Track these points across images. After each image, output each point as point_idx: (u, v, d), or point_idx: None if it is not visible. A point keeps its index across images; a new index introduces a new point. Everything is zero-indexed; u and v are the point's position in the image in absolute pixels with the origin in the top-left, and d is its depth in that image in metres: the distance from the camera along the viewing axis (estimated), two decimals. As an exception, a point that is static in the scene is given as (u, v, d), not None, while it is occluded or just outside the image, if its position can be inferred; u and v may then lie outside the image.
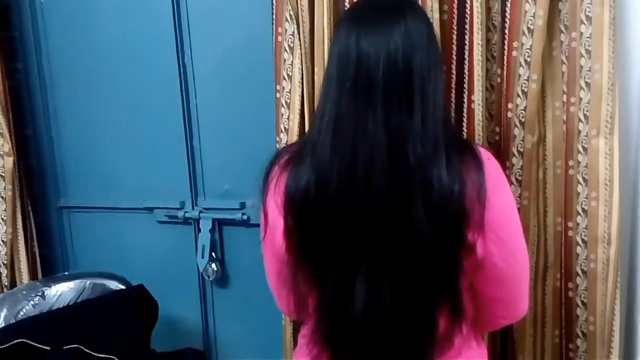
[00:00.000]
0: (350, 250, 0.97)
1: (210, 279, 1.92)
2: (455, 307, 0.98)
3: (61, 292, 1.68)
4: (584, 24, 1.24)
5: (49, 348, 1.51)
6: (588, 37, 1.24)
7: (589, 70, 1.25)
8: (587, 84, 1.26)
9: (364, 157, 0.92)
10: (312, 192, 0.97)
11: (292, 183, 1.00)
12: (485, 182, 0.94)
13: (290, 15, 1.43)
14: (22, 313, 1.62)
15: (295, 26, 1.43)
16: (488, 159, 0.99)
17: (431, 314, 0.98)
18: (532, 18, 1.25)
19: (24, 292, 1.67)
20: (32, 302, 1.64)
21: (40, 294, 1.66)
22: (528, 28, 1.25)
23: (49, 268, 2.12)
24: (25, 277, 1.99)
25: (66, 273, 1.92)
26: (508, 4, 1.28)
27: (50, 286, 1.68)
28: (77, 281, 1.71)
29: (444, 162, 0.92)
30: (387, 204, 0.93)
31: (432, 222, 0.92)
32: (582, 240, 1.31)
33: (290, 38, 1.45)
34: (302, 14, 1.40)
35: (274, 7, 1.47)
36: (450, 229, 0.94)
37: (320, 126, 0.97)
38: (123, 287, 1.75)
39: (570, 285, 1.34)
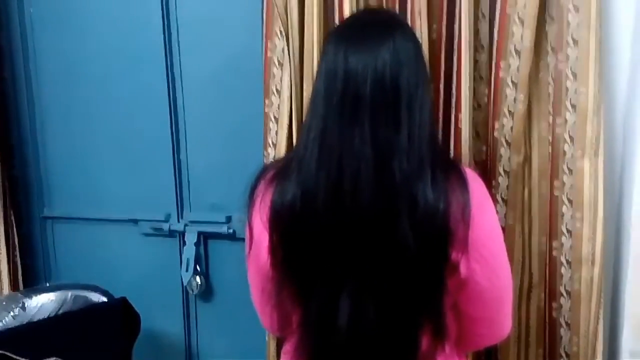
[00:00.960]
0: (335, 266, 0.96)
1: (194, 293, 1.90)
2: (438, 326, 0.98)
3: (42, 303, 1.65)
4: (570, 46, 1.26)
5: (28, 360, 1.49)
6: (575, 60, 1.26)
7: (575, 92, 1.26)
8: (573, 105, 1.27)
9: (350, 172, 0.93)
10: (297, 208, 0.97)
11: (277, 198, 1.00)
12: (470, 202, 0.94)
13: (280, 31, 1.44)
14: (1, 324, 1.59)
15: (285, 42, 1.43)
16: (473, 179, 0.99)
17: (414, 332, 0.98)
18: (519, 39, 1.26)
19: (4, 302, 1.64)
20: (12, 313, 1.61)
21: (20, 305, 1.63)
22: (515, 49, 1.27)
23: (31, 279, 2.10)
24: (5, 288, 1.97)
25: (48, 284, 1.90)
26: (496, 25, 1.29)
27: (31, 297, 1.66)
28: (59, 292, 1.69)
29: (429, 180, 0.93)
30: (373, 219, 0.93)
31: (416, 239, 0.92)
32: (567, 260, 1.32)
33: (280, 54, 1.46)
34: (291, 30, 1.41)
35: (264, 22, 1.47)
36: (434, 246, 0.94)
37: (307, 141, 0.97)
38: (105, 299, 1.73)
39: (554, 305, 1.35)
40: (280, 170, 1.03)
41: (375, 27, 0.97)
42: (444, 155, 1.23)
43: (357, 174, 0.92)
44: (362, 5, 1.36)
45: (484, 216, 0.98)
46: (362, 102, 0.92)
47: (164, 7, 1.79)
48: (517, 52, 1.27)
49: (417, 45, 1.01)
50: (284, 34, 1.43)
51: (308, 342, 1.03)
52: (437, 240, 0.94)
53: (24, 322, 1.61)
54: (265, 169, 1.08)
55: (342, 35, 0.99)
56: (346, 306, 0.96)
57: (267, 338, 1.58)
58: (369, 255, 0.95)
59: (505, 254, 1.04)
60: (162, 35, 1.80)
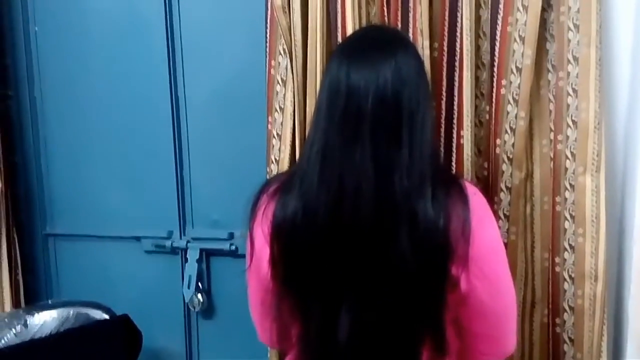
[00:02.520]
0: (335, 280, 0.97)
1: (196, 310, 1.89)
2: (438, 341, 0.98)
3: (44, 320, 1.64)
4: (571, 64, 1.27)
5: (29, 378, 1.48)
6: (575, 77, 1.27)
7: (576, 109, 1.27)
8: (574, 122, 1.28)
9: (351, 188, 0.93)
10: (298, 221, 0.98)
11: (279, 212, 1.00)
12: (470, 218, 0.94)
13: (284, 49, 1.45)
14: (3, 341, 1.58)
15: (288, 60, 1.44)
16: (474, 194, 1.00)
17: (415, 347, 0.98)
18: (520, 57, 1.27)
19: (6, 320, 1.64)
20: (14, 331, 1.61)
21: (22, 322, 1.62)
22: (516, 67, 1.28)
23: (33, 296, 2.09)
24: (7, 305, 1.96)
25: (50, 301, 1.89)
26: (497, 43, 1.30)
27: (33, 314, 1.65)
28: (61, 310, 1.68)
29: (429, 196, 0.93)
30: (373, 235, 0.94)
31: (416, 255, 0.92)
32: (569, 276, 1.32)
33: (283, 71, 1.47)
34: (295, 48, 1.42)
35: (267, 40, 1.49)
36: (434, 262, 0.94)
37: (309, 156, 0.98)
38: (107, 316, 1.72)
39: (557, 321, 1.34)
40: (283, 184, 1.03)
41: (378, 44, 0.99)
42: (444, 171, 1.23)
43: (357, 189, 0.93)
44: (364, 23, 1.38)
45: (484, 231, 0.98)
46: (363, 118, 0.93)
47: (168, 26, 1.80)
48: (518, 70, 1.28)
49: (420, 62, 1.02)
50: (287, 52, 1.44)
51: (308, 356, 1.03)
52: (437, 256, 0.94)
53: (26, 340, 1.60)
54: (268, 183, 1.09)
55: (345, 52, 1.00)
56: (346, 320, 0.96)
57: (269, 355, 1.58)
58: (369, 270, 0.95)
59: (508, 269, 1.03)
60: (166, 54, 1.81)
